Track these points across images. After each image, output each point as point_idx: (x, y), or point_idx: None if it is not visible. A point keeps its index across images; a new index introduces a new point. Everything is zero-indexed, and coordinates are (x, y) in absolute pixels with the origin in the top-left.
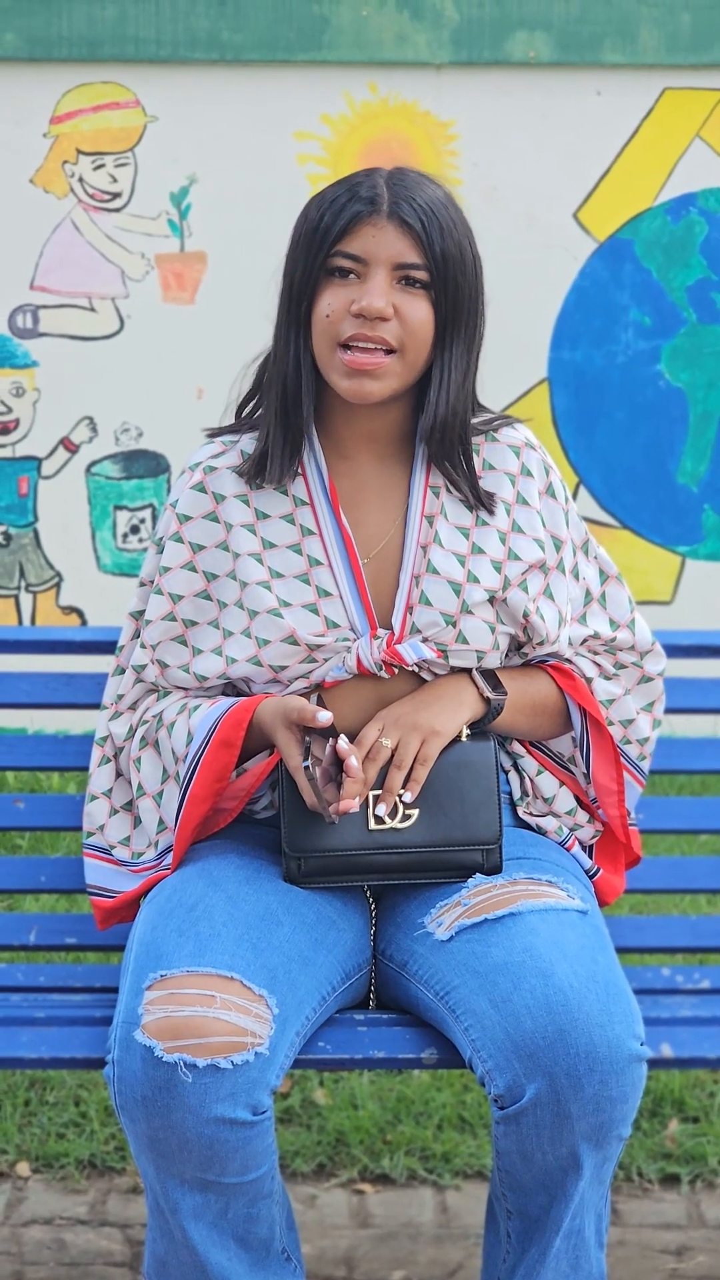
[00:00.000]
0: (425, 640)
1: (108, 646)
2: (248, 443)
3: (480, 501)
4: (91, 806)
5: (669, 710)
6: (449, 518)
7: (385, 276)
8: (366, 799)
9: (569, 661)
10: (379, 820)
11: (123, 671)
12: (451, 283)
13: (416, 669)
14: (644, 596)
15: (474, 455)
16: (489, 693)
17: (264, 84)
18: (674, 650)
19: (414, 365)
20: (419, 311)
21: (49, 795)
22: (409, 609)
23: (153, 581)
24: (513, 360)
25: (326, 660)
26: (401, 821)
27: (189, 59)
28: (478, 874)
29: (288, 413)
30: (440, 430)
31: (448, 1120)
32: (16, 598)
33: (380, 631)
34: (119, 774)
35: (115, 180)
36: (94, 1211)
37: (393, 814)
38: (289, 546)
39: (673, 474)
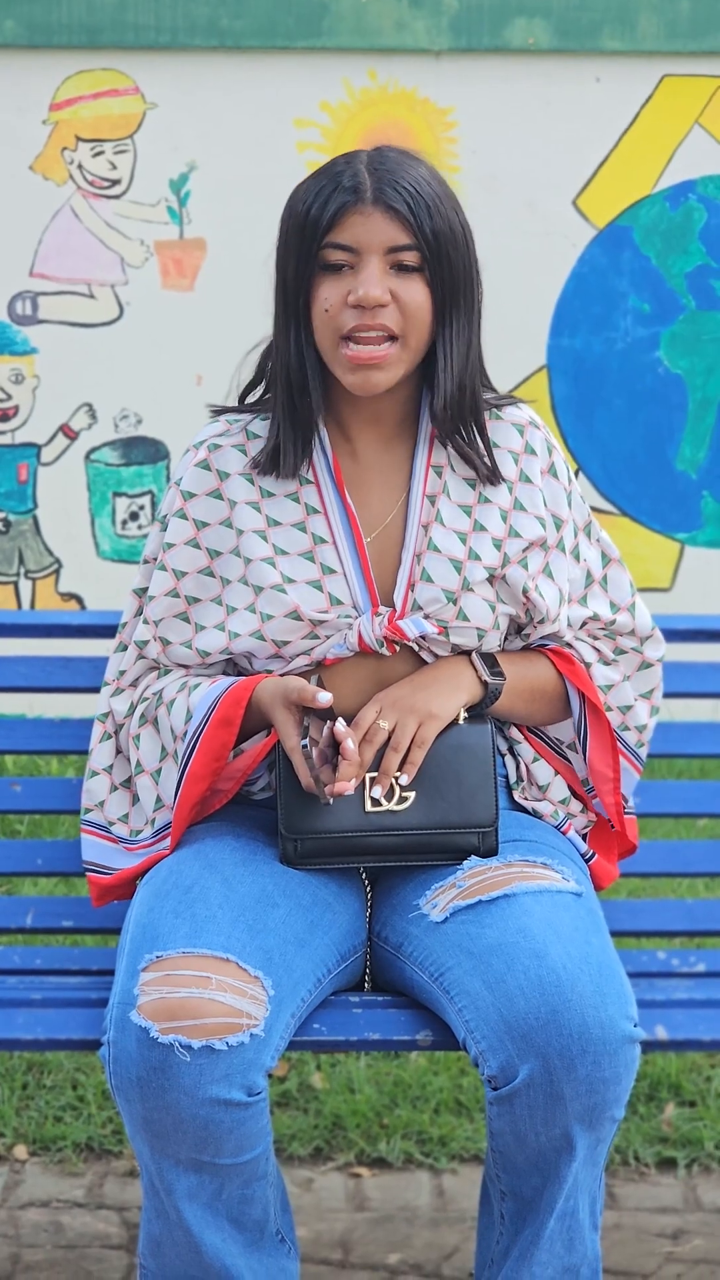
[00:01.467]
0: (427, 617)
1: (107, 630)
2: (253, 423)
3: (491, 473)
4: (91, 783)
5: (667, 694)
6: (451, 496)
7: (378, 263)
8: (363, 781)
9: (569, 646)
10: (375, 802)
11: (125, 648)
12: (445, 259)
13: (417, 647)
14: (643, 583)
15: (484, 420)
16: (486, 676)
17: (263, 71)
18: (672, 635)
19: (417, 349)
20: (416, 294)
21: (47, 779)
22: (410, 586)
23: (156, 559)
24: (512, 347)
25: (329, 637)
26: (398, 804)
27: (188, 46)
28: (473, 856)
29: (295, 407)
30: (453, 407)
31: (444, 1104)
32: (16, 584)
33: (382, 609)
34: (119, 751)
35: (114, 167)
36: (91, 1194)
37: (389, 796)
38: (294, 524)
39: (672, 461)
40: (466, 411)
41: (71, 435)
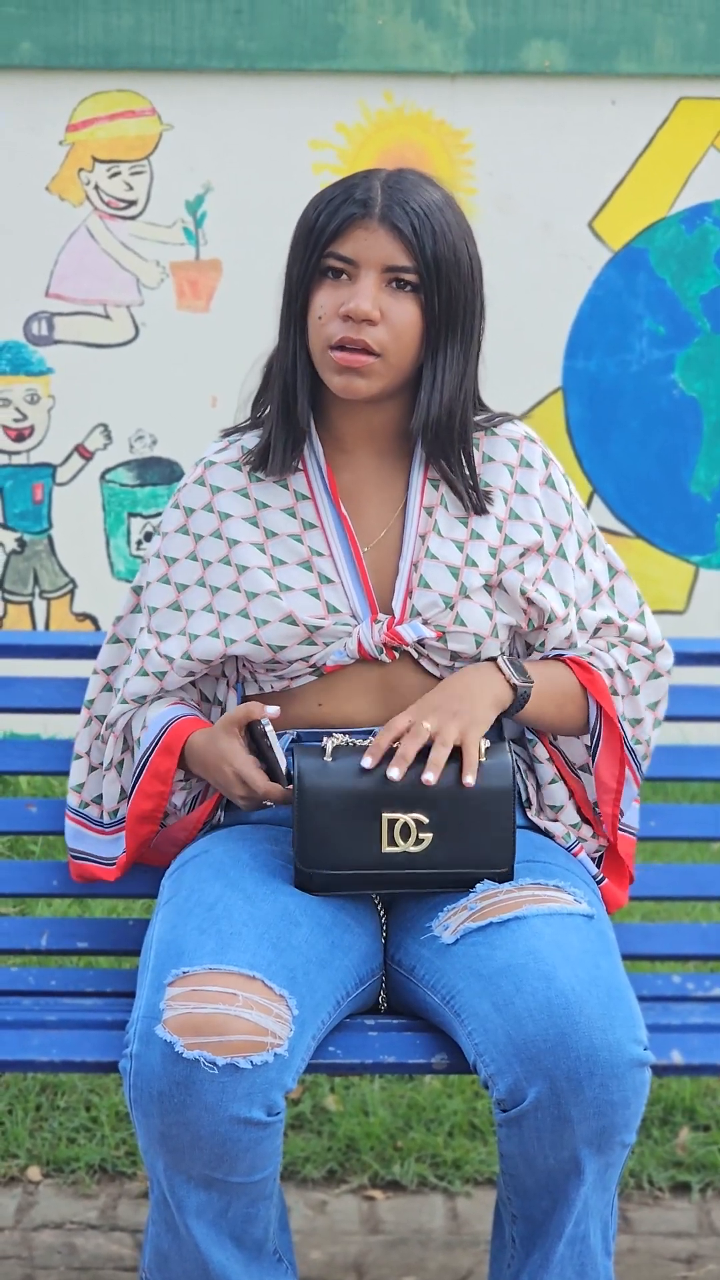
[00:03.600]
0: (425, 623)
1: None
2: (250, 439)
3: (477, 502)
4: (76, 765)
5: (682, 717)
6: (449, 508)
7: (375, 279)
8: (380, 820)
9: (589, 656)
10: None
11: (117, 640)
12: (444, 285)
13: (416, 654)
14: (657, 606)
15: (474, 450)
16: (516, 679)
17: (279, 92)
18: (687, 658)
19: (399, 367)
20: (405, 314)
21: (62, 800)
22: (408, 593)
23: (151, 561)
24: (527, 369)
25: (327, 645)
26: (414, 845)
27: (205, 67)
28: (485, 879)
29: (288, 408)
30: (433, 429)
31: (458, 1127)
32: (30, 604)
33: (381, 616)
34: (97, 736)
35: (131, 188)
36: (104, 1216)
37: (405, 836)
38: (290, 536)
39: (686, 483)
40: (454, 440)
41: (87, 455)
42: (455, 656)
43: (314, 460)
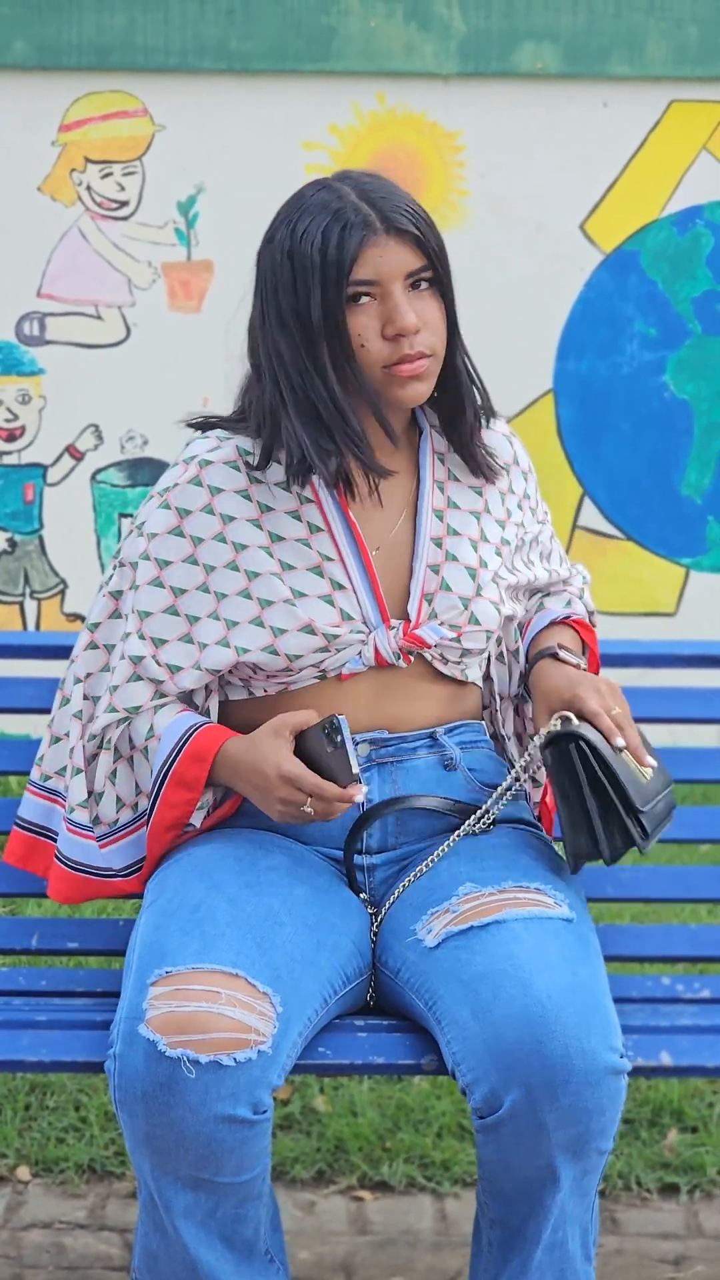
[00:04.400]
0: (441, 623)
1: None
2: (244, 441)
3: (491, 471)
4: (54, 749)
5: (672, 720)
6: (460, 506)
7: (401, 290)
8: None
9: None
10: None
11: (95, 647)
12: (446, 267)
13: (430, 656)
14: (648, 608)
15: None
16: (582, 663)
17: (272, 93)
18: (676, 660)
19: (442, 358)
20: (435, 310)
21: None
22: (425, 596)
23: (134, 564)
24: (518, 371)
25: (339, 652)
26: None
27: (198, 68)
28: (469, 882)
29: (320, 447)
30: (467, 399)
31: (447, 1128)
32: (21, 604)
33: (394, 622)
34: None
35: (123, 189)
36: (93, 1216)
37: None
38: (297, 540)
39: (677, 486)
40: (474, 412)
41: (77, 456)
42: (465, 654)
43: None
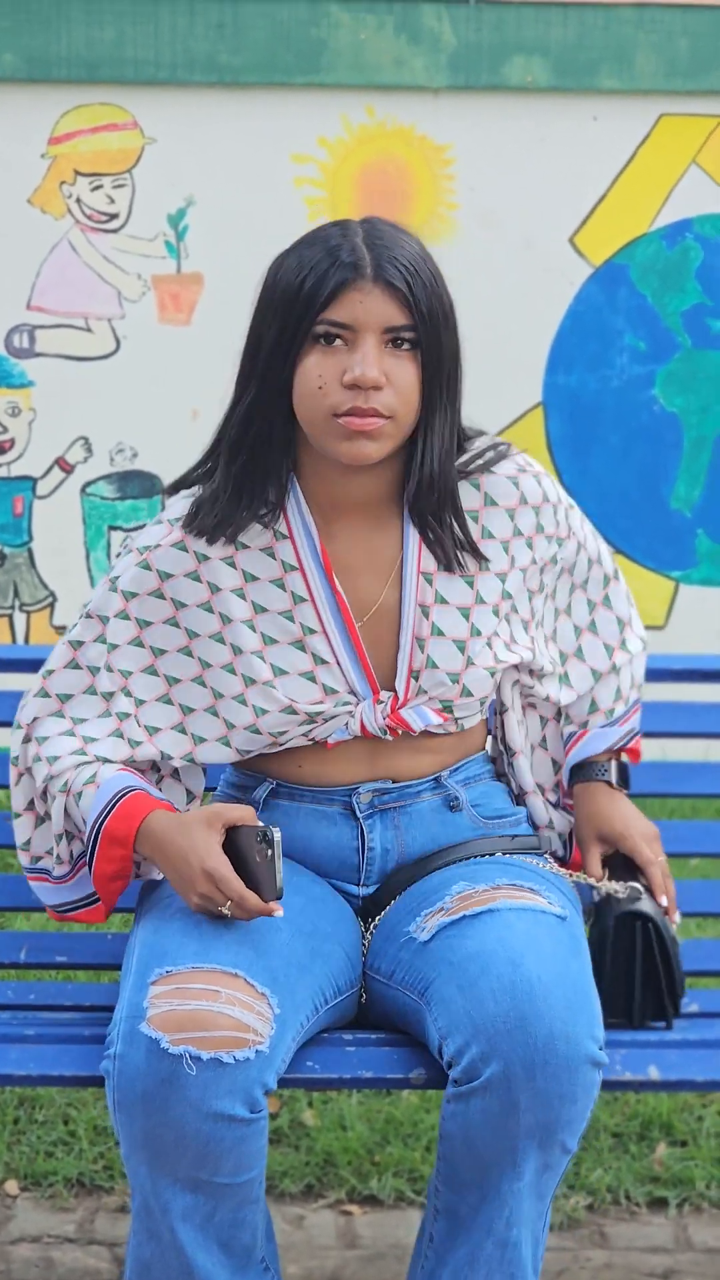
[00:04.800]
0: (430, 698)
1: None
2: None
3: (472, 556)
4: (19, 823)
5: (661, 734)
6: (447, 570)
7: (375, 343)
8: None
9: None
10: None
11: (46, 695)
12: (436, 339)
13: (419, 732)
14: None
15: (476, 490)
16: (624, 790)
17: (262, 106)
18: (666, 674)
19: (405, 428)
20: (408, 375)
21: None
22: (412, 673)
23: (104, 619)
24: (508, 384)
25: (327, 722)
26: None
27: (187, 81)
28: (461, 881)
29: (267, 475)
30: (427, 493)
31: (436, 1142)
32: (10, 617)
33: (383, 695)
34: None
35: (113, 201)
36: (82, 1230)
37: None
38: (281, 613)
39: (667, 499)
40: (444, 497)
41: (67, 469)
42: (458, 723)
43: (302, 528)
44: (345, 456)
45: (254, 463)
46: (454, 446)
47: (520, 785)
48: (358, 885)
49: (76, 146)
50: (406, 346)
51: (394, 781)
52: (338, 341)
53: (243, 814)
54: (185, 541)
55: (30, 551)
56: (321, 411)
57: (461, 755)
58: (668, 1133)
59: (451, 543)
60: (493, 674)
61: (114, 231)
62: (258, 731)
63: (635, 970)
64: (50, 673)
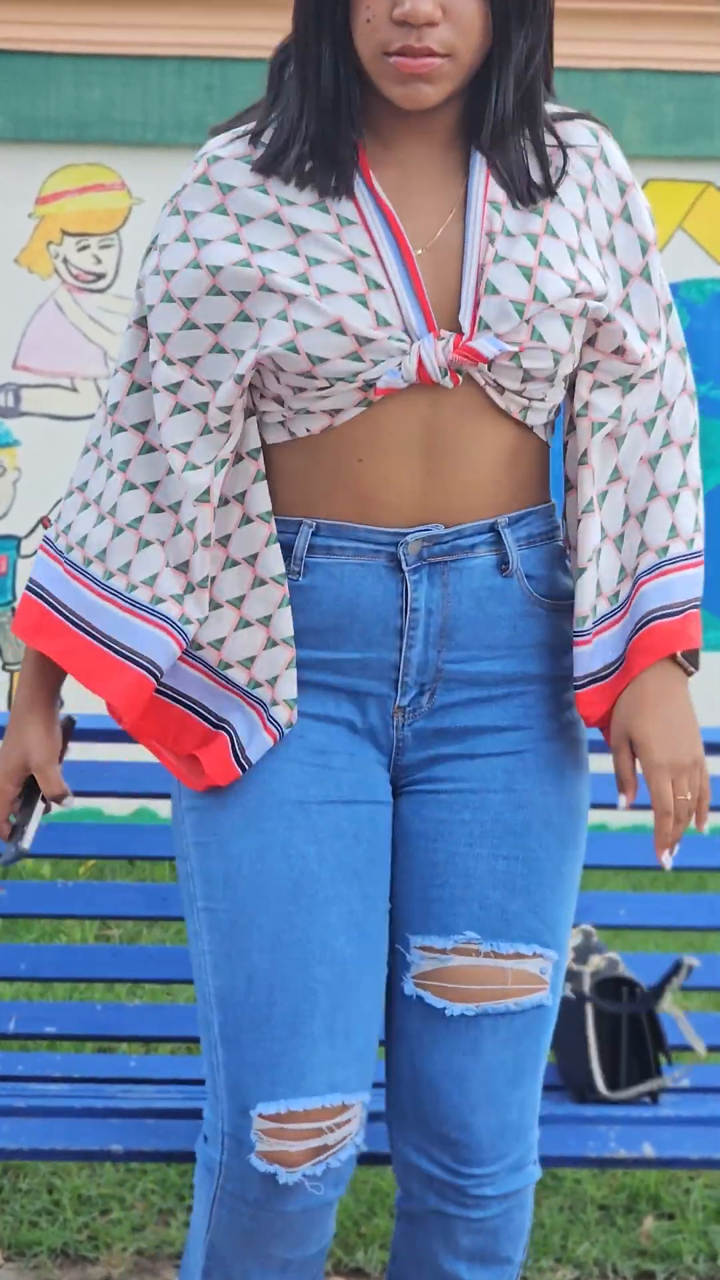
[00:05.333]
0: (495, 337)
1: (88, 733)
2: (266, 133)
3: (548, 185)
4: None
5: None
6: (518, 202)
7: None
8: None
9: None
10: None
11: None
12: None
13: (483, 380)
14: None
15: (543, 133)
16: (691, 669)
17: None
18: None
19: (469, 64)
20: (469, 4)
21: (29, 882)
22: (477, 304)
23: (144, 320)
24: None
25: (377, 364)
26: None
27: (175, 142)
28: (470, 932)
29: (324, 132)
30: (501, 125)
31: None
32: None
33: (444, 333)
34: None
35: (99, 261)
36: None
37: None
38: (326, 233)
39: None
40: (522, 123)
41: None
42: (528, 377)
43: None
44: (401, 100)
45: (325, 120)
46: (542, 77)
47: (579, 559)
48: (399, 654)
49: (64, 206)
50: None
51: (445, 526)
52: None
53: (58, 784)
54: (209, 174)
55: (14, 611)
56: (371, 48)
57: (523, 499)
58: (655, 1205)
59: (523, 175)
60: (569, 326)
61: (101, 291)
62: (294, 350)
63: (622, 1040)
64: (116, 405)
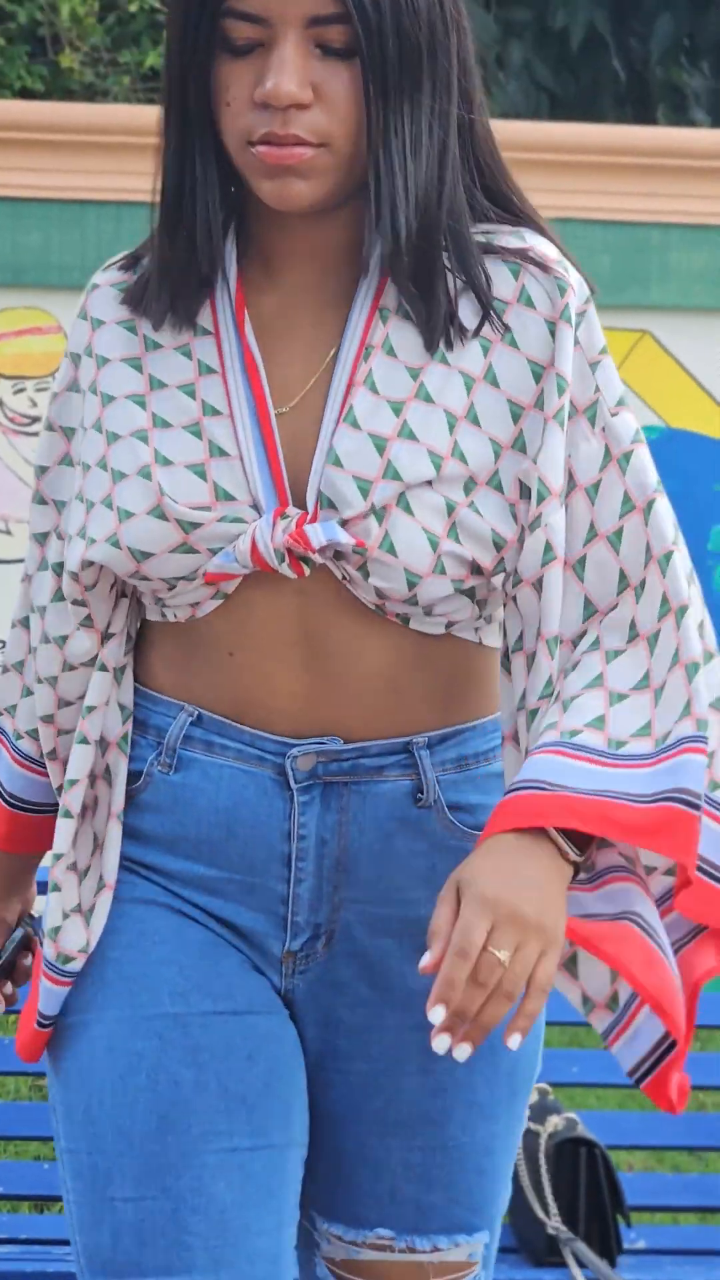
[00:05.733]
0: (345, 523)
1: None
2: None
3: (446, 335)
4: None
5: None
6: (396, 351)
7: (296, 43)
8: None
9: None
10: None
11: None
12: (387, 35)
13: (339, 573)
14: None
15: (475, 264)
16: (575, 854)
17: None
18: None
19: (351, 155)
20: (342, 85)
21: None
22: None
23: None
24: None
25: (215, 552)
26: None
27: None
28: (380, 1227)
29: (177, 255)
30: (407, 248)
31: None
32: None
33: (292, 510)
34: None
35: (35, 404)
36: None
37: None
38: (180, 387)
39: None
40: (433, 252)
41: None
42: (381, 595)
43: (223, 281)
44: (271, 199)
45: (194, 222)
46: (455, 180)
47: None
48: (287, 886)
49: (0, 350)
50: (339, 48)
51: (345, 741)
52: (255, 49)
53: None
54: (86, 306)
55: None
56: (234, 138)
57: (455, 713)
58: None
59: (425, 309)
60: (433, 542)
61: (36, 435)
62: (117, 546)
63: (580, 1202)
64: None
